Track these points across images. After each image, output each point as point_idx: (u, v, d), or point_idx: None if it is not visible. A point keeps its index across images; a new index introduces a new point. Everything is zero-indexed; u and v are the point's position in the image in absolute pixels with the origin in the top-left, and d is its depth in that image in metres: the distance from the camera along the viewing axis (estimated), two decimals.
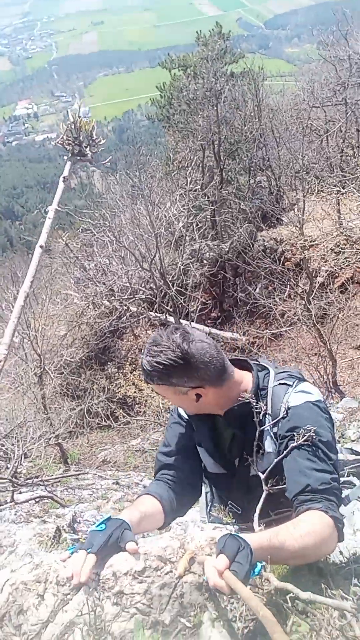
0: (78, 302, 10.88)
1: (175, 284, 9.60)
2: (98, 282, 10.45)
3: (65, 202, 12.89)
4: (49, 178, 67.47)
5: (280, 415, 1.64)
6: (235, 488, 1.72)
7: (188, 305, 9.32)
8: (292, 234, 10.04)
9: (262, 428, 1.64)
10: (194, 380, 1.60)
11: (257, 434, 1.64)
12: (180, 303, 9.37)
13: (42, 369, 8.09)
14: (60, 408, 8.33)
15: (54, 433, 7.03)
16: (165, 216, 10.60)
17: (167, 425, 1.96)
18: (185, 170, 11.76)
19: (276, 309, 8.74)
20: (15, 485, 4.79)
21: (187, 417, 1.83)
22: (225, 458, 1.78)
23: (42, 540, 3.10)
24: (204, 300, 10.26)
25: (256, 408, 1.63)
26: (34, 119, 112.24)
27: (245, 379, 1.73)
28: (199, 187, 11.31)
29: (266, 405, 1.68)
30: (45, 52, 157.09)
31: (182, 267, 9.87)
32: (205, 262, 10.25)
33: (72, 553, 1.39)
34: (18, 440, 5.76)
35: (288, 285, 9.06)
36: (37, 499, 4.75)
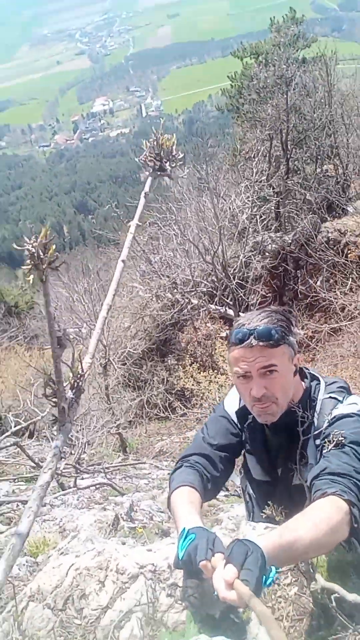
0: (142, 295, 11.06)
1: (236, 277, 9.53)
2: (162, 275, 10.58)
3: (133, 195, 13.14)
4: (120, 172, 69.12)
5: (324, 426, 1.64)
6: (277, 496, 1.68)
7: (248, 298, 9.23)
8: (357, 224, 9.60)
9: (305, 437, 1.63)
10: (295, 346, 1.67)
11: (300, 443, 1.63)
12: (240, 296, 9.29)
13: (107, 360, 8.35)
14: (121, 398, 8.56)
15: (115, 422, 7.24)
16: (229, 208, 10.52)
17: (212, 416, 1.95)
18: (251, 161, 11.57)
19: (337, 303, 8.41)
20: (78, 471, 4.98)
21: (237, 422, 1.85)
22: (270, 466, 1.79)
23: (101, 527, 3.21)
24: (264, 293, 10.09)
25: (302, 418, 1.63)
26: (110, 114, 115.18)
27: (297, 386, 1.73)
28: (265, 177, 11.09)
29: (313, 416, 1.69)
30: (122, 48, 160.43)
31: (244, 259, 9.76)
32: (267, 254, 10.06)
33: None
34: (82, 429, 5.98)
35: (350, 278, 8.69)
36: (98, 486, 4.92)
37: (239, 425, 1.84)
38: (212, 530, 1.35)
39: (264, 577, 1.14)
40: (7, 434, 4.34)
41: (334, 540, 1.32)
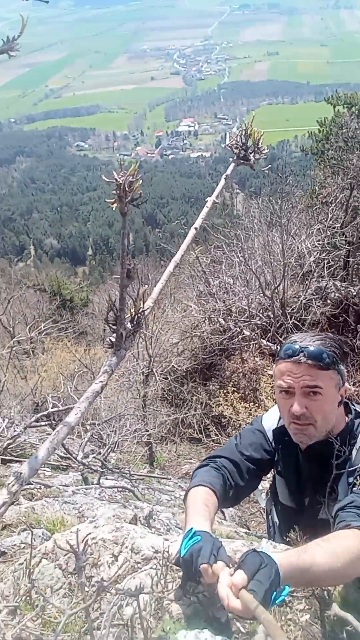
0: (196, 315, 11.16)
1: (293, 317, 9.48)
2: (219, 299, 10.65)
3: (205, 219, 13.37)
4: (194, 193, 70.28)
5: (359, 465, 1.60)
6: (301, 526, 1.66)
7: None
8: None
9: (338, 472, 1.60)
10: (344, 375, 1.65)
11: (332, 477, 1.60)
12: None
13: (150, 370, 8.47)
14: (157, 411, 8.63)
15: (147, 431, 7.30)
16: (297, 248, 10.52)
17: (248, 428, 1.93)
18: (328, 206, 11.56)
19: None
20: (104, 468, 5.08)
21: (272, 441, 1.83)
22: (298, 494, 1.77)
23: (119, 521, 3.27)
24: None
25: (338, 451, 1.60)
26: (194, 136, 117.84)
27: (339, 418, 1.70)
28: (339, 225, 11.05)
29: (350, 452, 1.64)
30: (217, 76, 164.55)
31: (304, 301, 9.71)
32: (329, 301, 9.95)
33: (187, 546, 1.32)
34: (115, 429, 6.08)
35: None
36: (120, 489, 5.00)
37: (273, 445, 1.82)
38: (219, 540, 1.33)
39: (274, 593, 1.11)
40: (43, 412, 4.44)
41: (353, 572, 1.29)
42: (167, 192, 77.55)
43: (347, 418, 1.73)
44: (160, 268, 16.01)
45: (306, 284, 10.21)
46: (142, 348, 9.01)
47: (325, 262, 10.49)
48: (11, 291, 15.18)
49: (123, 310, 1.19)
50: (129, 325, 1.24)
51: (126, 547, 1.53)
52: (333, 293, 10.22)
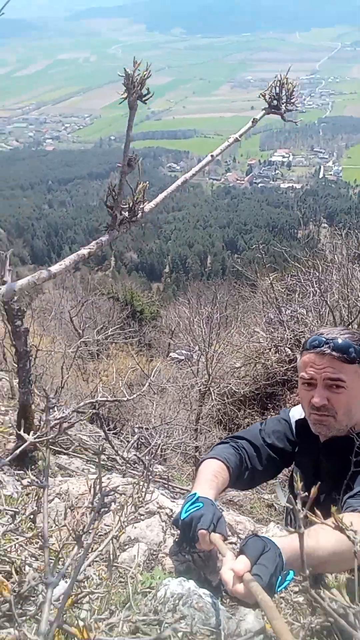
0: (262, 342, 10.94)
1: None
2: (288, 328, 10.36)
3: (285, 246, 13.18)
4: (279, 223, 69.92)
5: None
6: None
7: None
8: None
9: (356, 469, 1.56)
10: None
11: (350, 473, 1.56)
12: None
13: (207, 388, 8.34)
14: (209, 431, 8.45)
15: (196, 447, 7.19)
16: None
17: (274, 417, 1.91)
18: None
19: None
20: (148, 473, 5.00)
21: (295, 431, 1.81)
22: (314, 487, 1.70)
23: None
24: None
25: (358, 448, 1.57)
26: (286, 167, 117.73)
27: None
28: None
29: None
30: (319, 110, 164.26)
31: None
32: None
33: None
34: (162, 435, 6.02)
35: None
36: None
37: (295, 435, 1.80)
38: (220, 510, 1.34)
39: (279, 577, 1.07)
40: (91, 400, 4.45)
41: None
42: (252, 220, 77.73)
43: None
44: (232, 291, 15.93)
45: None
46: (202, 365, 8.93)
47: None
48: (86, 296, 15.78)
49: (120, 195, 1.27)
50: (125, 213, 1.29)
51: (133, 499, 1.59)
52: None
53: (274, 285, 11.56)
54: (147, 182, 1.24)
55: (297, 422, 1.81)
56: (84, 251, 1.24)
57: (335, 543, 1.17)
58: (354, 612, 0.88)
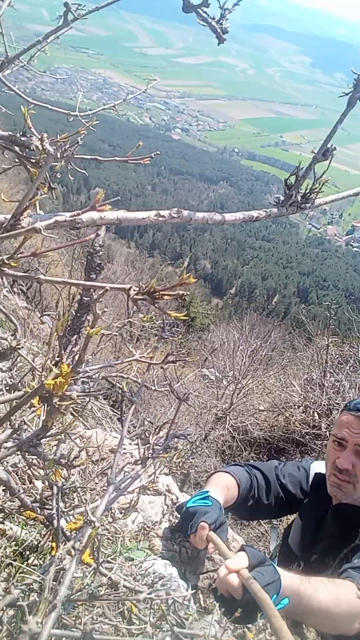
0: (295, 396, 10.70)
1: None
2: (325, 394, 10.07)
3: (355, 316, 12.83)
4: (357, 293, 68.15)
5: None
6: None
7: None
8: None
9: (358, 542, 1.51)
10: None
11: (351, 546, 1.51)
12: None
13: (224, 415, 8.25)
14: (208, 457, 8.34)
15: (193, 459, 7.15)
16: None
17: (295, 461, 1.90)
18: None
19: None
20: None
21: (310, 484, 1.78)
22: (309, 546, 1.67)
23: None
24: None
25: None
26: None
27: None
28: None
29: None
30: None
31: None
32: None
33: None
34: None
35: None
36: None
37: (309, 487, 1.77)
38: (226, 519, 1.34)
39: (275, 596, 1.03)
40: (119, 373, 4.47)
41: (345, 625, 1.20)
42: (333, 278, 76.30)
43: None
44: (286, 336, 15.71)
45: None
46: (229, 394, 8.84)
47: None
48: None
49: (304, 178, 1.36)
50: (299, 197, 1.36)
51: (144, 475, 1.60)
52: None
53: (329, 348, 11.27)
54: (330, 178, 1.27)
55: (316, 474, 1.78)
56: (254, 213, 1.28)
57: (330, 602, 1.15)
58: None
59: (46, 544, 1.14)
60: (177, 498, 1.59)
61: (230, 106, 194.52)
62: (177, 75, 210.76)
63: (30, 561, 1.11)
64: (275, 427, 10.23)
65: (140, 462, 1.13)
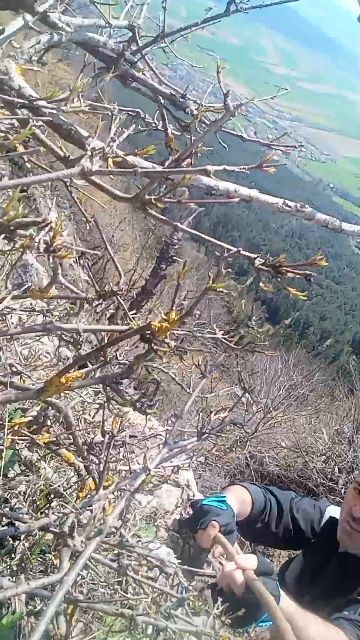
0: (320, 444, 10.44)
1: None
2: (353, 451, 9.77)
3: None
4: None
5: None
6: None
7: None
8: None
9: (357, 596, 1.49)
10: None
11: (348, 597, 1.49)
12: None
13: (246, 439, 8.18)
14: (211, 474, 8.31)
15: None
16: None
17: (313, 499, 1.87)
18: None
19: None
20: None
21: (322, 526, 1.76)
22: (306, 585, 1.67)
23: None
24: None
25: None
26: None
27: None
28: None
29: None
30: None
31: None
32: None
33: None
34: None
35: None
36: None
37: (320, 529, 1.75)
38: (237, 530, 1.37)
39: (265, 614, 1.07)
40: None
41: None
42: None
43: None
44: (329, 382, 15.32)
45: None
46: (255, 419, 8.73)
47: None
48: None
49: None
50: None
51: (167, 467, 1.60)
52: None
53: None
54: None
55: (330, 517, 1.75)
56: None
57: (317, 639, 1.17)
58: None
59: (72, 493, 1.18)
60: (194, 495, 1.64)
61: (339, 141, 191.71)
62: (295, 98, 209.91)
63: (52, 505, 1.16)
64: (292, 468, 10.00)
65: (196, 435, 1.15)
